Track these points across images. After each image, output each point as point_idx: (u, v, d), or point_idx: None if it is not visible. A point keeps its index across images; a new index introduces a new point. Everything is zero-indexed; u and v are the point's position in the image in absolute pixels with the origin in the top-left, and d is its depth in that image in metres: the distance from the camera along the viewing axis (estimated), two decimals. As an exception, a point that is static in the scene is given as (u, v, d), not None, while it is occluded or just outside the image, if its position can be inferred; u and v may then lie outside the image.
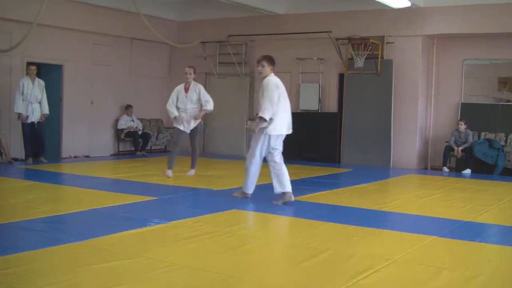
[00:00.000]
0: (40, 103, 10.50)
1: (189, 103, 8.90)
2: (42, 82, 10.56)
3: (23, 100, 10.25)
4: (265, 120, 6.61)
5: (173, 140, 9.49)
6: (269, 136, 6.74)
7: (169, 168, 8.87)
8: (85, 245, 4.58)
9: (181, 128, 8.94)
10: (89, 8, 11.79)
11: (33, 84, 10.37)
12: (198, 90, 8.97)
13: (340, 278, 3.93)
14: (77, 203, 6.52)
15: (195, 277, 3.87)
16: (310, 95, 12.65)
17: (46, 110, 10.62)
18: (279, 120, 6.72)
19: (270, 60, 6.87)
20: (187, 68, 9.01)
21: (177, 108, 8.95)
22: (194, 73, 9.01)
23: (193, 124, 9.00)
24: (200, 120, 9.12)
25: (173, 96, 9.02)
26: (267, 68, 6.81)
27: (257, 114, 6.88)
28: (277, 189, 6.87)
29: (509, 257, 4.79)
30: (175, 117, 8.92)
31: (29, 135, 10.42)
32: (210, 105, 8.97)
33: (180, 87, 9.06)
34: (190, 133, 9.07)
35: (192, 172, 9.23)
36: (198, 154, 9.36)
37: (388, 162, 11.69)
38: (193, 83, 8.97)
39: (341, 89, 12.42)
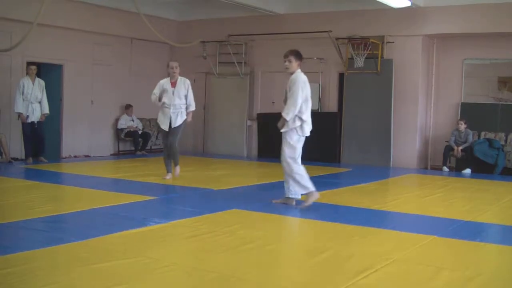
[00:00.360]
0: (40, 102, 10.52)
1: (177, 99, 8.43)
2: (42, 82, 10.58)
3: (23, 100, 10.27)
4: (287, 120, 6.36)
5: (163, 142, 8.92)
6: (304, 137, 6.50)
7: (168, 171, 8.65)
8: (85, 245, 4.58)
9: (163, 127, 8.50)
10: (89, 8, 11.80)
11: (33, 84, 10.39)
12: (187, 86, 8.56)
13: (340, 278, 3.93)
14: (77, 203, 6.52)
15: (195, 277, 3.87)
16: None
17: (46, 110, 10.65)
18: (309, 119, 6.48)
19: (298, 55, 6.56)
20: (172, 63, 8.62)
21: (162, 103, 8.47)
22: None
23: (179, 121, 8.48)
24: (189, 118, 8.65)
25: (155, 90, 8.48)
26: (294, 63, 6.50)
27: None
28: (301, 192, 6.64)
29: (509, 257, 4.79)
30: (158, 98, 8.37)
31: (29, 134, 10.43)
32: (194, 106, 8.68)
33: (165, 81, 8.54)
34: (170, 130, 8.48)
35: (177, 170, 8.68)
36: (178, 151, 8.67)
37: (388, 162, 11.69)
38: (179, 77, 8.54)
39: (341, 89, 12.42)
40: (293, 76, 6.50)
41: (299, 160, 6.55)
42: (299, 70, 6.55)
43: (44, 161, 10.53)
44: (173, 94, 8.42)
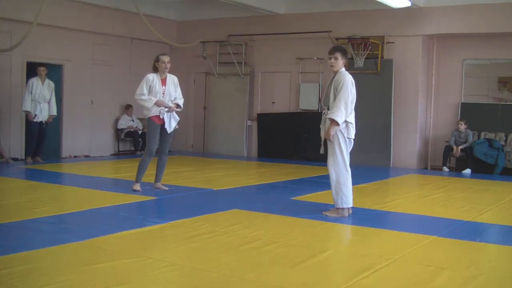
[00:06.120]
0: (49, 103, 10.60)
1: (167, 98, 7.33)
2: (52, 84, 10.72)
3: (31, 100, 10.34)
4: (338, 124, 5.89)
5: (150, 143, 7.42)
6: (350, 139, 6.02)
7: (137, 181, 7.47)
8: (85, 245, 4.58)
9: (162, 123, 7.33)
10: (89, 8, 11.81)
11: (42, 84, 10.50)
12: (176, 82, 7.46)
13: (340, 278, 3.93)
14: (77, 203, 6.53)
15: (195, 277, 3.88)
16: (310, 95, 12.65)
17: (54, 112, 10.79)
18: (353, 121, 6.03)
19: (345, 53, 6.14)
20: (164, 57, 7.28)
21: None
22: None
23: (173, 124, 7.47)
24: (172, 108, 7.40)
25: (144, 86, 7.20)
26: (340, 61, 6.05)
27: (323, 113, 6.15)
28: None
29: (509, 257, 4.79)
30: (156, 102, 7.16)
31: (35, 134, 10.50)
32: (182, 103, 7.53)
33: (154, 77, 7.25)
34: (166, 136, 7.47)
35: (159, 185, 7.67)
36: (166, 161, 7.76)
37: (388, 162, 11.70)
38: (167, 73, 7.39)
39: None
40: (338, 76, 6.03)
41: (348, 168, 6.05)
42: (343, 69, 6.10)
43: (40, 161, 10.56)
44: (163, 93, 7.30)
